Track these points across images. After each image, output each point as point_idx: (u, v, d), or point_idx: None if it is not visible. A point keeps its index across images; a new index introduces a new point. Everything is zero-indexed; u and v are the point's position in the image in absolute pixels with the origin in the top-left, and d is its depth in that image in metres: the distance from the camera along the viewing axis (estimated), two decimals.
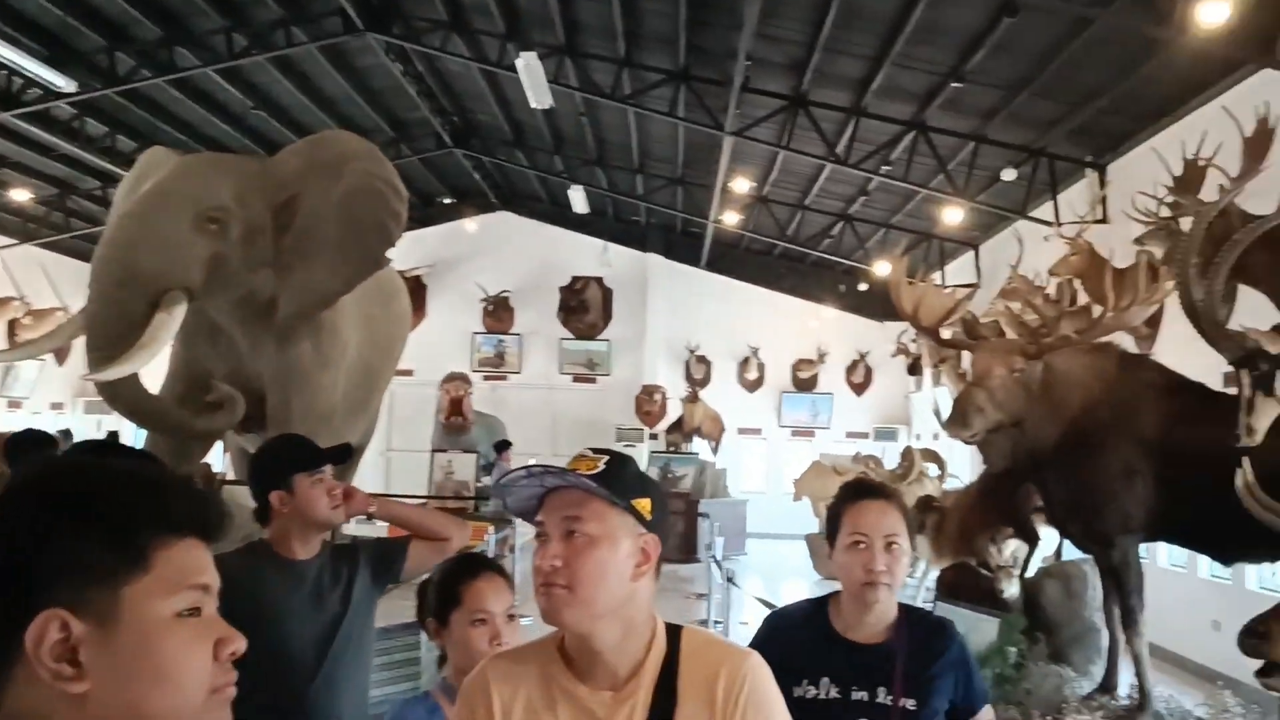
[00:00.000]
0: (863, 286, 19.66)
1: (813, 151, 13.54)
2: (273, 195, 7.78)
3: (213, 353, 8.22)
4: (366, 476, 12.98)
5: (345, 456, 3.26)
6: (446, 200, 21.30)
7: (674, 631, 1.83)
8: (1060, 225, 11.82)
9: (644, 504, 1.77)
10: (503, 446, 13.88)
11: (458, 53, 13.09)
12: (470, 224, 21.52)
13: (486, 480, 15.84)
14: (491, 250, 21.83)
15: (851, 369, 22.17)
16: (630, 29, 11.84)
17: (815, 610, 2.72)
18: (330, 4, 12.00)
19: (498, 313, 22.25)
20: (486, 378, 21.20)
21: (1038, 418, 5.47)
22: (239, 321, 8.12)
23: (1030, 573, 6.50)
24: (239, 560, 2.95)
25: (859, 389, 22.22)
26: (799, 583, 12.37)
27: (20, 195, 16.98)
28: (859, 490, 2.71)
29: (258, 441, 8.87)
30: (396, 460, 19.76)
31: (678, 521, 15.71)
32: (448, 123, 17.11)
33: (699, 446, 20.25)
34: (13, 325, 18.62)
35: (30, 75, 11.81)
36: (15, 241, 18.33)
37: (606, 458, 1.79)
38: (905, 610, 2.70)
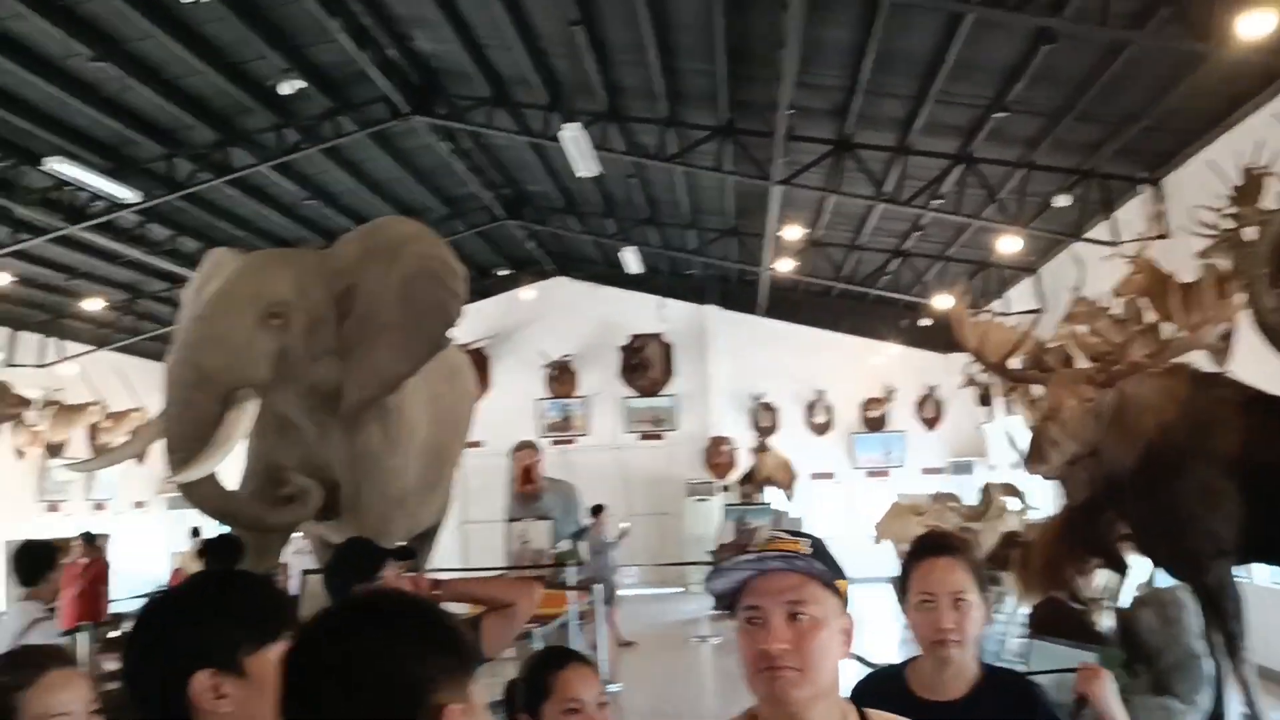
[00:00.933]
0: (925, 321, 19.48)
1: (862, 192, 13.51)
2: (332, 284, 7.94)
3: (283, 444, 8.35)
4: (445, 551, 13.04)
5: (408, 555, 3.31)
6: (503, 271, 21.56)
7: (861, 712, 1.87)
8: (1120, 244, 11.65)
9: (843, 585, 1.81)
10: (597, 510, 13.93)
11: (503, 127, 13.30)
12: (528, 292, 21.75)
13: (564, 545, 15.86)
14: (550, 316, 22.03)
15: (921, 404, 21.91)
16: (672, 89, 11.96)
17: (896, 673, 2.68)
18: (374, 92, 12.28)
19: (561, 377, 22.39)
20: (555, 443, 21.27)
21: (1113, 445, 5.37)
22: (307, 411, 8.25)
23: (1124, 602, 6.33)
24: None
25: (930, 424, 21.95)
26: (884, 628, 12.15)
27: (92, 304, 17.49)
28: (924, 547, 2.68)
29: (336, 529, 8.98)
30: (474, 532, 19.83)
31: None
32: (499, 195, 17.36)
33: (772, 495, 20.10)
34: (93, 429, 19.12)
35: (94, 190, 12.21)
36: (90, 348, 18.85)
37: (809, 540, 1.82)
38: (988, 671, 2.64)
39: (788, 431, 21.77)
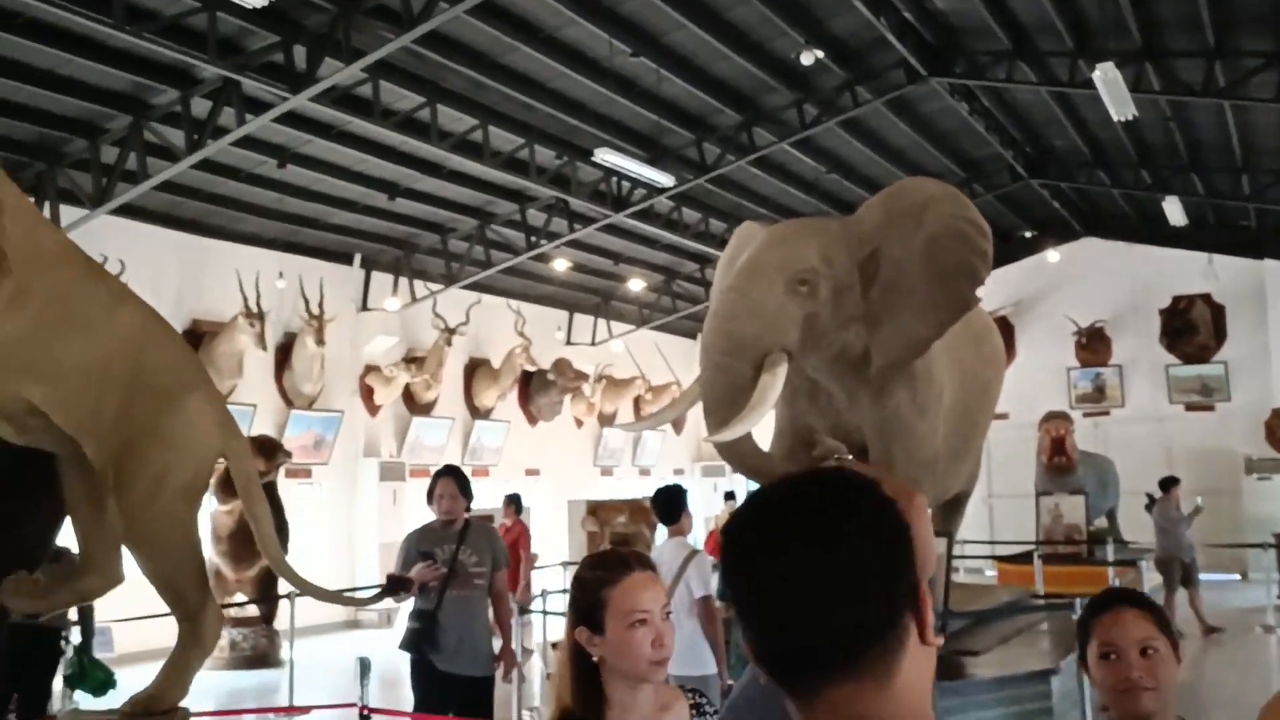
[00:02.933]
0: None
1: None
2: (856, 251, 7.97)
3: (813, 409, 8.55)
4: (970, 524, 12.71)
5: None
6: (1026, 234, 20.56)
7: None
8: None
9: None
10: (1167, 484, 13.07)
11: (1025, 79, 12.67)
12: (1053, 255, 20.58)
13: (1100, 521, 14.90)
14: (1079, 280, 20.68)
15: None
16: (1218, 17, 10.69)
17: None
18: (891, 57, 12.20)
19: (1092, 345, 20.95)
20: (1086, 414, 20.01)
21: None
22: (835, 377, 8.38)
23: None
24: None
25: None
26: None
27: (635, 285, 19.12)
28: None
29: None
30: (999, 506, 19.20)
31: None
32: (1020, 154, 16.59)
33: None
34: (636, 401, 20.92)
35: (636, 178, 13.28)
36: (633, 327, 20.60)
37: None
38: None
39: None
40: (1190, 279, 20.09)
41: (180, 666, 2.95)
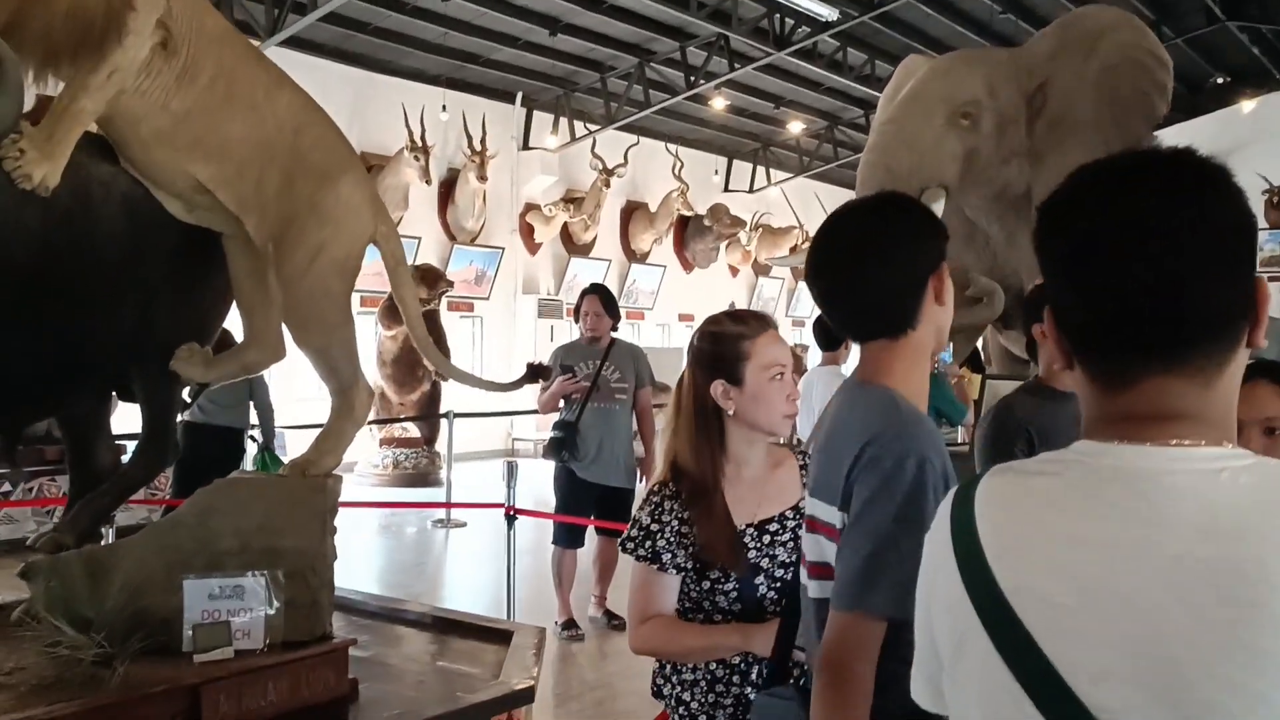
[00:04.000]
0: None
1: None
2: (1024, 82, 7.66)
3: (969, 250, 8.36)
4: None
5: None
6: (1219, 81, 19.18)
7: None
8: None
9: None
10: None
11: None
12: (1248, 105, 19.17)
13: None
14: (1275, 134, 19.27)
15: None
16: None
17: None
18: None
19: None
20: (1272, 279, 18.85)
21: None
22: (995, 217, 8.16)
23: None
24: (1026, 399, 3.23)
25: None
26: None
27: (794, 129, 18.71)
28: None
29: (1016, 339, 8.86)
30: None
31: None
32: None
33: None
34: (793, 251, 20.70)
35: (798, 8, 12.83)
36: (791, 175, 20.26)
37: None
38: None
39: None
40: None
41: (335, 435, 3.14)
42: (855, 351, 2.72)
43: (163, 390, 3.23)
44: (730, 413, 2.24)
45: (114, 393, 3.46)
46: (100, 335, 3.06)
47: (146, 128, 2.74)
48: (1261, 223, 19.86)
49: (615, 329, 6.18)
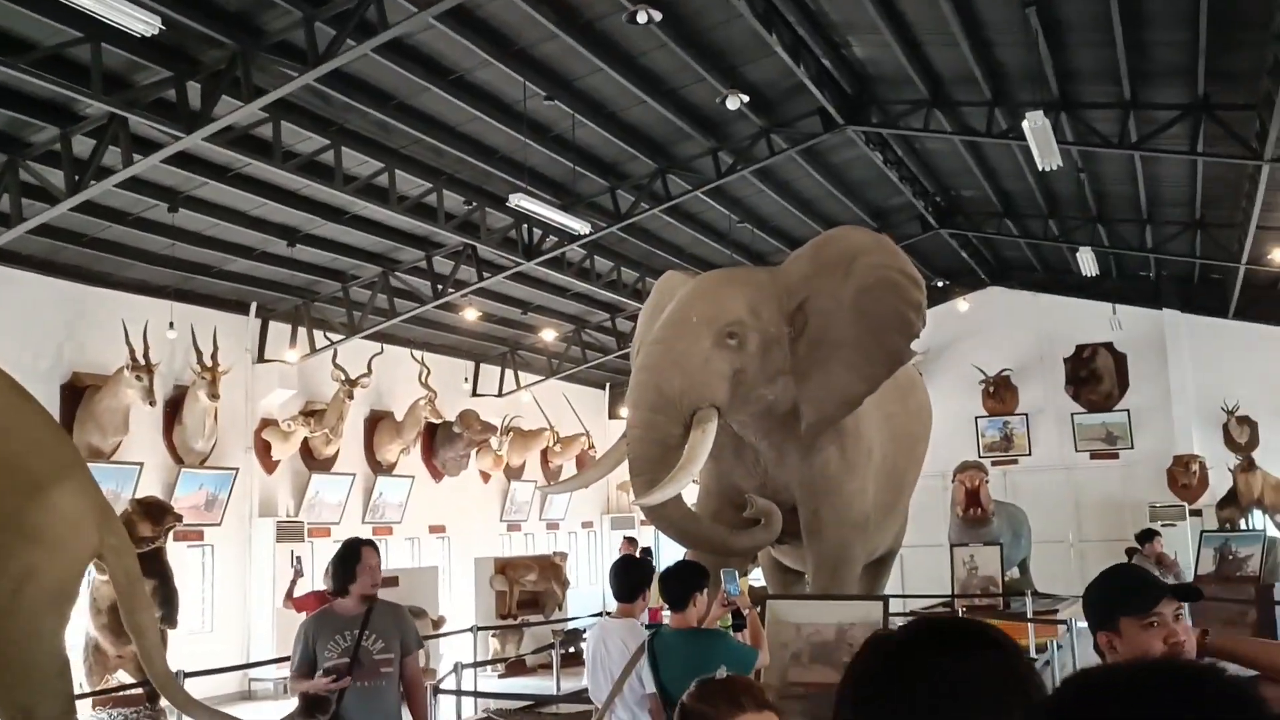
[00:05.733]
0: None
1: None
2: (784, 302, 7.71)
3: (740, 467, 8.21)
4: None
5: (1194, 596, 2.73)
6: (937, 284, 20.66)
7: None
8: None
9: None
10: (1147, 536, 13.27)
11: (940, 129, 12.62)
12: (961, 304, 20.69)
13: (1014, 572, 14.79)
14: (986, 329, 20.81)
15: None
16: (1136, 66, 10.71)
17: None
18: (807, 106, 12.04)
19: (999, 393, 21.06)
20: (995, 463, 19.99)
21: None
22: (763, 434, 8.06)
23: None
24: None
25: None
26: None
27: (546, 335, 18.66)
28: None
29: (792, 553, 8.69)
30: (910, 557, 19.04)
31: (1247, 611, 13.77)
32: (930, 204, 16.63)
33: (1261, 521, 17.70)
34: (544, 454, 20.37)
35: (551, 223, 12.84)
36: (540, 377, 20.10)
37: None
38: None
39: (1272, 447, 19.09)
40: (1093, 328, 20.36)
41: None
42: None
43: None
44: None
45: None
46: None
47: None
48: (980, 411, 21.21)
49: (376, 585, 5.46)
